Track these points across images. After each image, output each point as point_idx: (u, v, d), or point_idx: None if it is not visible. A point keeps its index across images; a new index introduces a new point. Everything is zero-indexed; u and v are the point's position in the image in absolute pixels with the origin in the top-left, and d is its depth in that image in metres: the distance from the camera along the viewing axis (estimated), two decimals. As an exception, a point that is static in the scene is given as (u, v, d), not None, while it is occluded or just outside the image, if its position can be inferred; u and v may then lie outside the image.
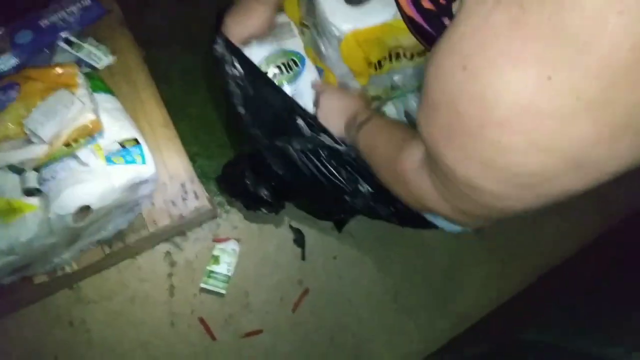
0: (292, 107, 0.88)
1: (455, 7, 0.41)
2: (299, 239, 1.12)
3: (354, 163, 0.84)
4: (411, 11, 0.52)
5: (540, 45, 0.31)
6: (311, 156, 0.86)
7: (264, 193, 0.98)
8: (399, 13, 0.75)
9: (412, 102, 0.95)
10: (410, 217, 0.86)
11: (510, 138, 0.34)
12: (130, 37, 1.08)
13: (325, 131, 0.85)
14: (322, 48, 0.88)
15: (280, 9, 0.98)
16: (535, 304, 1.05)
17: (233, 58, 0.88)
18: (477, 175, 0.39)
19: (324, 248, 1.12)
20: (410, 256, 1.13)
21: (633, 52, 0.29)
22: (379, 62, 0.86)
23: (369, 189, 0.86)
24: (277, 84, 0.93)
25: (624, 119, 0.32)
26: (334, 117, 0.83)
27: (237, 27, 0.88)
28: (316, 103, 0.87)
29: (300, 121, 0.87)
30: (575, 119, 0.32)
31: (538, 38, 0.31)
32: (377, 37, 0.80)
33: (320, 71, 0.96)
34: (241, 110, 0.88)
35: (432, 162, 0.47)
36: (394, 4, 0.75)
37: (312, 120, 0.86)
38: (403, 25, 0.76)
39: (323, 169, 0.88)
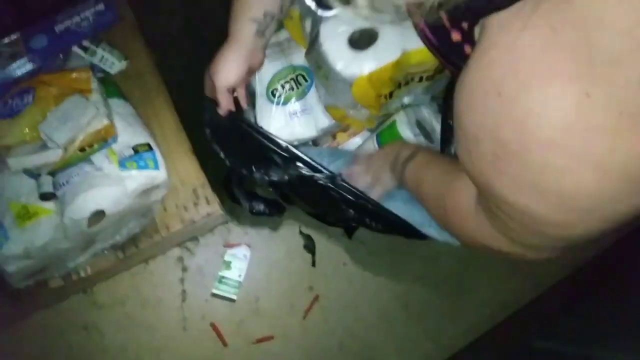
0: (266, 143, 0.86)
1: (477, 33, 0.40)
2: (309, 245, 1.12)
3: (334, 188, 0.84)
4: (436, 44, 0.51)
5: (576, 63, 0.30)
6: (290, 184, 0.87)
7: (259, 201, 0.99)
8: (405, 50, 0.76)
9: (424, 112, 0.95)
10: (397, 230, 0.89)
11: (559, 158, 0.33)
12: (142, 43, 1.09)
13: (300, 159, 0.85)
14: (330, 88, 0.88)
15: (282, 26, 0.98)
16: (545, 312, 1.04)
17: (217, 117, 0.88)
18: (532, 203, 0.37)
19: (334, 254, 1.12)
20: (420, 263, 1.13)
21: None
22: (390, 93, 0.86)
23: (352, 212, 0.87)
24: (286, 100, 0.94)
25: None
26: (383, 172, 0.81)
27: (220, 78, 0.81)
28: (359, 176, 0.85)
29: (274, 155, 0.86)
30: (622, 133, 0.31)
31: (572, 56, 0.30)
32: (389, 75, 0.80)
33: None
34: (217, 149, 0.90)
35: (485, 197, 0.45)
36: (399, 43, 0.77)
37: (284, 152, 0.86)
38: (412, 58, 0.78)
39: (304, 194, 0.90)
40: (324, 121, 0.93)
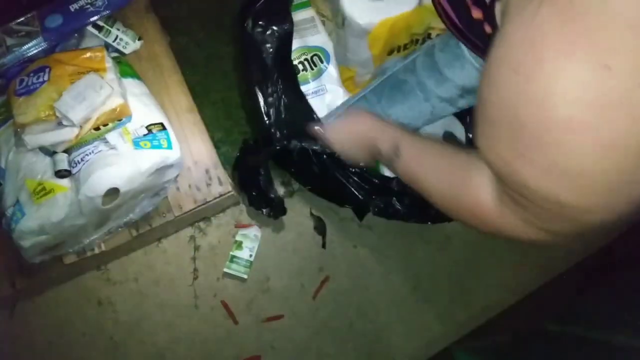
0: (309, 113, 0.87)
1: (497, 9, 0.39)
2: (320, 227, 1.13)
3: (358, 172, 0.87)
4: (455, 20, 0.50)
5: (593, 33, 0.29)
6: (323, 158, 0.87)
7: (272, 195, 0.99)
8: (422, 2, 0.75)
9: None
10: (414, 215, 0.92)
11: (578, 138, 0.32)
12: (157, 23, 1.09)
13: None
14: (344, 40, 0.87)
15: (304, 4, 0.97)
16: (558, 297, 1.04)
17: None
18: (555, 187, 0.36)
19: (344, 236, 1.13)
20: (431, 247, 1.13)
21: None
22: (405, 45, 0.86)
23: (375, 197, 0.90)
24: (301, 79, 0.94)
25: None
26: (353, 149, 0.76)
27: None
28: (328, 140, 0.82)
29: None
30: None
31: (589, 27, 0.29)
32: (406, 23, 0.80)
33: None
34: (264, 110, 0.89)
35: (506, 185, 0.43)
36: None
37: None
38: (428, 10, 0.77)
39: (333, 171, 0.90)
40: (338, 101, 0.94)
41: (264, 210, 1.03)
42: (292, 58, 0.94)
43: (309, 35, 0.98)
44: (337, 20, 0.86)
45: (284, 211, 1.04)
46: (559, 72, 0.31)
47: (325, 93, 0.95)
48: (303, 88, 0.93)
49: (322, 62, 0.96)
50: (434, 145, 0.64)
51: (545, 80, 0.32)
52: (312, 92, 0.95)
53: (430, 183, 0.60)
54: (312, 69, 0.95)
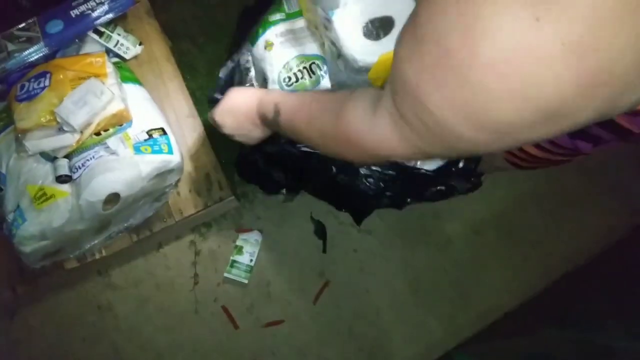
0: None
1: None
2: (320, 231, 1.13)
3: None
4: None
5: None
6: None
7: (278, 176, 0.99)
8: None
9: None
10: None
11: (494, 81, 0.33)
12: (157, 28, 1.10)
13: None
14: (344, 71, 0.88)
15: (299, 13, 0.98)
16: (558, 300, 1.04)
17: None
18: (453, 118, 0.38)
19: (344, 241, 1.13)
20: (431, 251, 1.13)
21: None
22: None
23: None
24: (298, 88, 0.94)
25: (606, 66, 0.31)
26: (243, 125, 0.75)
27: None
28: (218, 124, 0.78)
29: None
30: (558, 66, 0.31)
31: None
32: None
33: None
34: None
35: (403, 101, 0.43)
36: None
37: None
38: None
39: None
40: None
41: (282, 192, 1.03)
42: (291, 67, 0.95)
43: (307, 43, 0.98)
44: (332, 51, 0.86)
45: (297, 190, 1.04)
46: (495, 15, 0.32)
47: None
48: None
49: (320, 69, 0.96)
50: (311, 94, 0.66)
51: (480, 19, 0.33)
52: None
53: (308, 126, 0.62)
54: (311, 77, 0.95)
